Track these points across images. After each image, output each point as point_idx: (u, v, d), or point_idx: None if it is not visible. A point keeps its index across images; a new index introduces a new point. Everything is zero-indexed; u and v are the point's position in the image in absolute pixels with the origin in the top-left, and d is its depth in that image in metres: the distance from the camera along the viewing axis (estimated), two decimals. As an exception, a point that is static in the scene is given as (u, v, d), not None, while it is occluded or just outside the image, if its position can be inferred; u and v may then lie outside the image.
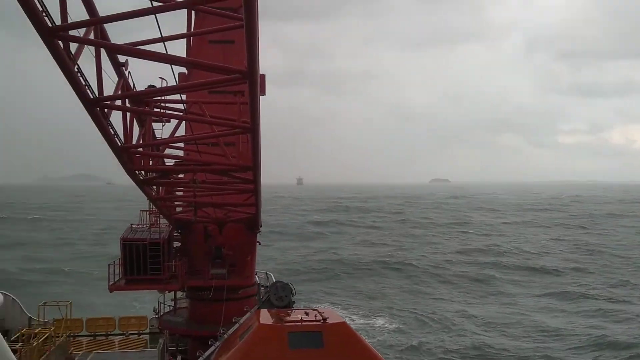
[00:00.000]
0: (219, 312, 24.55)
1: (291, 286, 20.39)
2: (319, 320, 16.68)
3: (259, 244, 29.43)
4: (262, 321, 17.18)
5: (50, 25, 11.24)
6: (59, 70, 12.93)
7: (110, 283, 25.21)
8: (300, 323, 16.63)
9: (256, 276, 29.92)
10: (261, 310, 18.97)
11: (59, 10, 11.64)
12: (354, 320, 52.35)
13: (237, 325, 19.48)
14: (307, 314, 17.36)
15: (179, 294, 29.27)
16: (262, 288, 23.77)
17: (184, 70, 24.81)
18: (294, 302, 20.29)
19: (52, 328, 28.93)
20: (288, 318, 17.39)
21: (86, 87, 13.91)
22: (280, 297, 19.87)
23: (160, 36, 12.77)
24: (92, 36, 13.73)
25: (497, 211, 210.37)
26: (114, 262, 25.79)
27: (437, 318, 55.53)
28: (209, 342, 19.80)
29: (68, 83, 13.39)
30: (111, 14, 12.39)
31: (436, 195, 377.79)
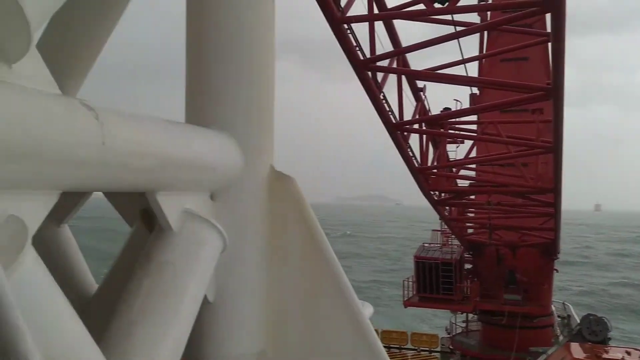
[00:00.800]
0: (512, 339, 23.65)
1: (606, 321, 18.79)
2: None
3: (557, 271, 27.48)
4: (575, 355, 16.19)
5: (362, 58, 12.48)
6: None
7: (405, 299, 26.36)
8: None
9: (552, 306, 28.01)
10: (571, 343, 17.82)
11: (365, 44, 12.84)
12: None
13: (544, 356, 18.59)
14: (628, 353, 15.76)
15: (470, 315, 29.06)
16: (563, 320, 22.26)
17: (475, 91, 24.84)
18: (609, 339, 18.63)
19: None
20: (605, 355, 15.98)
21: (389, 113, 15.00)
22: (594, 332, 18.64)
23: (461, 58, 13.03)
24: (394, 65, 14.77)
25: None
26: (408, 278, 26.90)
27: None
28: None
29: (374, 110, 14.62)
30: (407, 42, 13.14)
31: None
